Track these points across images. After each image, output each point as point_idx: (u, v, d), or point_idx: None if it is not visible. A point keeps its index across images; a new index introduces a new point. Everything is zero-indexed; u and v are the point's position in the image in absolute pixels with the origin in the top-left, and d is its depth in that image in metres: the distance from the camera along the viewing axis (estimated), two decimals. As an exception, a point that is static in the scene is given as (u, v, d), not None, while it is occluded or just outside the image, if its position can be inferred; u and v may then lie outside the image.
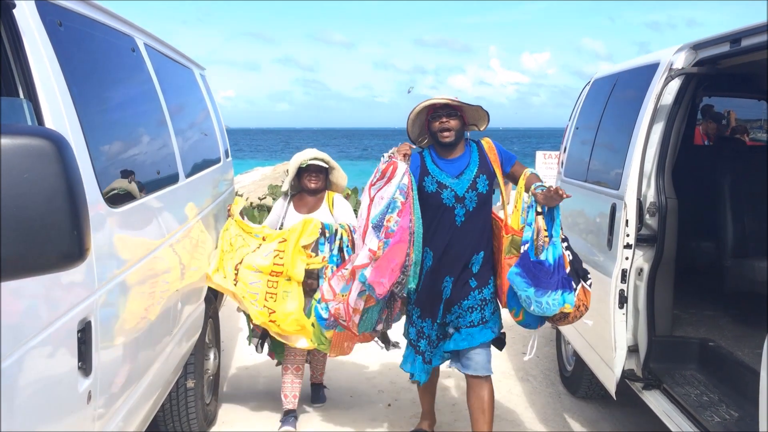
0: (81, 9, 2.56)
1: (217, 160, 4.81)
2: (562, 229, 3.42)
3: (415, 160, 3.60)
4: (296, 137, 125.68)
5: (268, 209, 10.46)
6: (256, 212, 9.82)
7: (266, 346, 4.37)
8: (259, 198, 10.92)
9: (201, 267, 3.87)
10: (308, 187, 4.26)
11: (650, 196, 3.80)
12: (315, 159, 4.22)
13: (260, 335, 4.30)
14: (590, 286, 3.40)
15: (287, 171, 4.43)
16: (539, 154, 11.52)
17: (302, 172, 4.24)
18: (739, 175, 4.31)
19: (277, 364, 4.47)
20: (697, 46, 3.67)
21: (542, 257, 3.32)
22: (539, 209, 3.40)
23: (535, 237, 3.38)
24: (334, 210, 4.30)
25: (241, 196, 10.67)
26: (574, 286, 3.31)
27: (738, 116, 7.37)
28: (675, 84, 3.73)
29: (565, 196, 3.27)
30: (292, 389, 4.24)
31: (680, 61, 3.71)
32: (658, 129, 3.76)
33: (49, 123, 2.02)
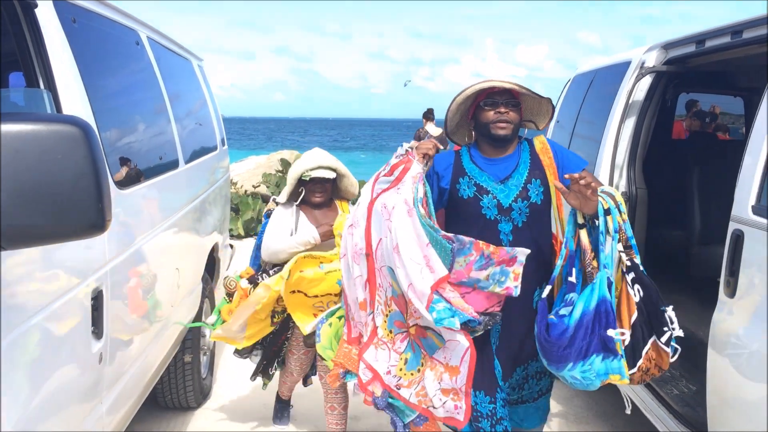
0: (91, 6, 2.78)
1: (214, 148, 5.03)
2: (624, 251, 2.47)
3: (446, 158, 2.81)
4: (287, 127, 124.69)
5: (262, 197, 10.68)
6: (251, 200, 10.05)
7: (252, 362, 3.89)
8: (253, 186, 11.14)
9: (199, 248, 4.10)
10: (313, 201, 3.51)
11: (621, 186, 4.05)
12: (320, 169, 3.44)
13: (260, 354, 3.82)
14: (668, 343, 2.48)
15: (280, 171, 3.62)
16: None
17: (305, 182, 3.49)
18: (707, 168, 4.56)
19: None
20: (667, 46, 3.91)
21: (562, 312, 2.42)
22: (580, 219, 2.55)
23: (582, 261, 2.53)
24: None
25: (236, 183, 10.87)
26: (622, 346, 2.40)
27: (732, 112, 7.60)
28: (646, 81, 3.97)
29: (593, 185, 2.47)
30: (290, 388, 4.03)
31: (651, 59, 3.95)
32: (630, 123, 4.01)
33: (67, 111, 2.24)
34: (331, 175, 3.46)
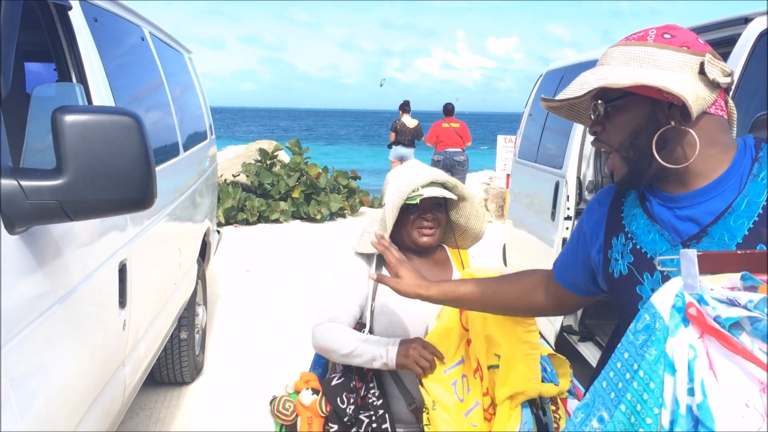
0: (107, 5, 3.02)
1: (204, 137, 5.27)
2: None
3: (600, 204, 1.56)
4: (249, 117, 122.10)
5: (242, 186, 10.89)
6: (231, 189, 10.25)
7: None
8: (233, 175, 11.32)
9: (194, 232, 4.35)
10: (420, 241, 2.15)
11: (589, 175, 4.41)
12: (434, 186, 2.12)
13: None
14: None
15: (381, 204, 2.41)
16: (500, 138, 12.13)
17: (405, 210, 2.13)
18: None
19: None
20: (630, 46, 4.26)
21: None
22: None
23: None
24: None
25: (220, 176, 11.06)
26: None
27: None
28: (611, 78, 4.32)
29: None
30: None
31: (616, 58, 4.29)
32: (597, 117, 4.36)
33: (96, 103, 2.49)
34: (452, 196, 2.14)
